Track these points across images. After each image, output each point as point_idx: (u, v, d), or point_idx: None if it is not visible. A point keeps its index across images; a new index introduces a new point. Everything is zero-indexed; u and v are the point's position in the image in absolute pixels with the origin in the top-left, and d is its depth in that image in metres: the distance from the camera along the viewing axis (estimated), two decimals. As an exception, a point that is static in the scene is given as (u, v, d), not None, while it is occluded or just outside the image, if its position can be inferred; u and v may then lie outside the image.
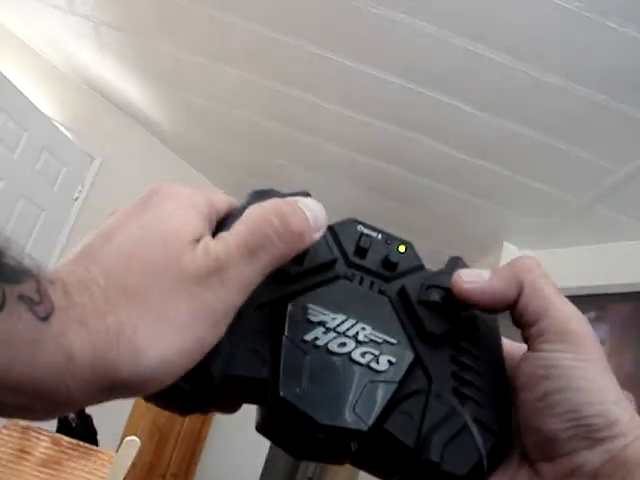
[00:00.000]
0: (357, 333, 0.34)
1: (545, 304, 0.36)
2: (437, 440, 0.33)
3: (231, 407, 0.37)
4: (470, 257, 4.65)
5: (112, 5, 3.30)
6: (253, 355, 0.33)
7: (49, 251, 4.04)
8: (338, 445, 0.33)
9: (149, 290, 0.30)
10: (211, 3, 3.00)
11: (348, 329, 0.34)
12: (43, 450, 1.27)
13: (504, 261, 4.27)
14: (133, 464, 1.40)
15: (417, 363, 0.35)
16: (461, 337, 0.37)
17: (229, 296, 0.31)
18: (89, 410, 3.07)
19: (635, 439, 0.32)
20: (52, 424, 2.31)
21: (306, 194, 0.38)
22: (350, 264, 0.37)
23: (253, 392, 0.33)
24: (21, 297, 0.27)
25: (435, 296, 0.37)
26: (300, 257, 0.36)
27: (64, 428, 2.69)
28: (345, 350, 0.33)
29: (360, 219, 0.40)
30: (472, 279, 0.37)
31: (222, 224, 0.35)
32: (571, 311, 0.36)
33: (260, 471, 5.50)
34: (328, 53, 3.06)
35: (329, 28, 2.91)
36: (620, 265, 3.70)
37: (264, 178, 4.69)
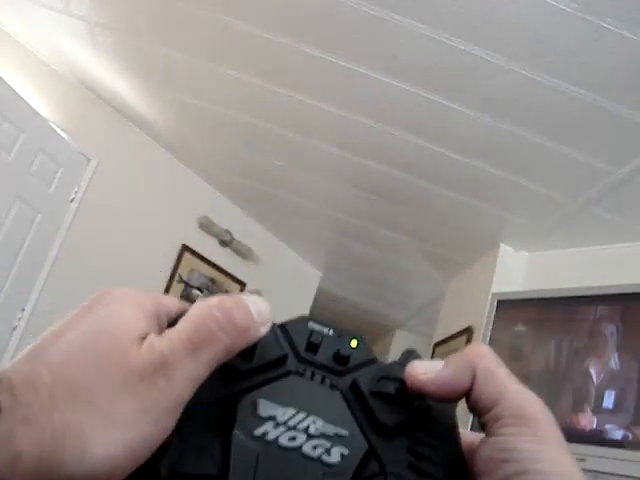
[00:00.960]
0: (308, 427, 0.34)
1: (499, 389, 0.35)
2: None
3: None
4: (466, 258, 4.65)
5: (107, 6, 3.29)
6: (202, 452, 0.33)
7: (45, 252, 4.03)
8: None
9: (95, 387, 0.31)
10: (205, 4, 3.00)
11: (298, 423, 0.34)
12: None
13: (501, 262, 4.27)
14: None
15: (371, 455, 0.34)
16: (416, 428, 0.36)
17: (174, 392, 0.32)
18: None
19: None
20: None
21: (257, 292, 0.38)
22: (301, 360, 0.37)
23: None
24: None
25: (388, 388, 0.37)
26: (249, 353, 0.35)
27: None
28: (296, 444, 0.33)
29: (311, 315, 0.40)
30: (426, 370, 0.37)
31: (172, 325, 0.35)
32: (526, 395, 0.36)
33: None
34: (322, 53, 3.06)
35: (323, 28, 2.91)
36: (615, 266, 3.70)
37: (257, 177, 4.69)
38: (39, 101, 3.94)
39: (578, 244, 3.98)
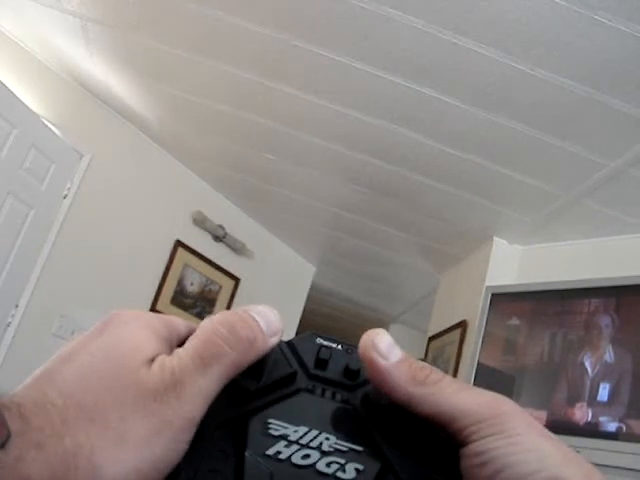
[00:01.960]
0: (321, 444, 0.34)
1: (452, 401, 0.35)
2: None
3: None
4: (460, 252, 4.66)
5: (99, 2, 3.28)
6: (215, 475, 0.33)
7: (38, 249, 4.02)
8: None
9: (107, 409, 0.31)
10: (199, -1, 3.00)
11: (311, 440, 0.34)
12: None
13: (495, 256, 4.28)
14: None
15: (387, 469, 0.34)
16: (429, 436, 0.36)
17: (187, 410, 0.32)
18: None
19: None
20: None
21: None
22: (311, 376, 0.37)
23: None
24: None
25: None
26: (258, 372, 0.35)
27: None
28: (309, 462, 0.33)
29: (319, 332, 0.40)
30: (388, 354, 0.37)
31: (182, 345, 0.35)
32: (488, 394, 0.35)
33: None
34: (316, 47, 3.05)
35: (316, 22, 2.91)
36: (608, 259, 3.72)
37: (252, 173, 4.69)
38: (31, 97, 3.93)
39: (572, 237, 3.99)
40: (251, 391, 0.35)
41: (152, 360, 0.33)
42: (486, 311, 3.84)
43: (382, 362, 0.35)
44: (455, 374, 4.22)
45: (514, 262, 4.28)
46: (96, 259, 4.35)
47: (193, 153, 4.72)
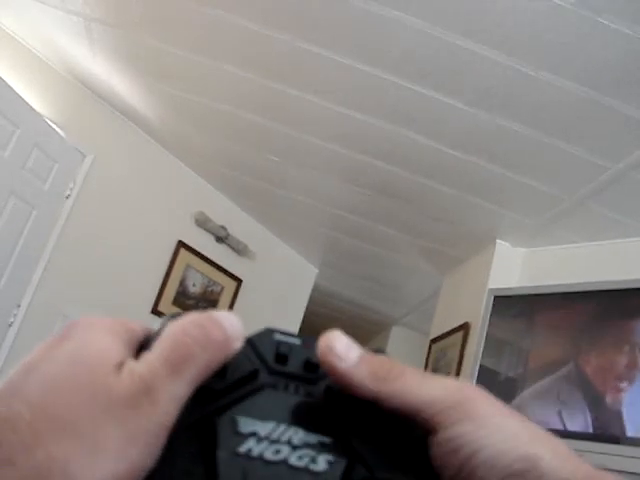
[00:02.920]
0: (290, 438, 0.34)
1: (415, 391, 0.35)
2: None
3: None
4: (463, 254, 4.65)
5: (103, 2, 3.28)
6: (187, 477, 0.32)
7: (40, 249, 4.03)
8: None
9: (79, 419, 0.30)
10: (203, -1, 3.00)
11: (281, 435, 0.34)
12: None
13: (498, 258, 4.28)
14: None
15: (356, 459, 0.34)
16: (395, 427, 0.36)
17: (160, 415, 0.31)
18: None
19: (567, 473, 0.31)
20: None
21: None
22: (272, 372, 0.37)
23: None
24: None
25: None
26: (222, 372, 0.35)
27: None
28: (281, 457, 0.33)
29: (275, 327, 0.40)
30: (346, 355, 0.37)
31: (142, 347, 0.35)
32: (451, 381, 0.35)
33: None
34: (318, 48, 3.05)
35: (319, 23, 2.91)
36: (611, 262, 3.71)
37: (254, 174, 4.69)
38: (34, 97, 3.93)
39: (575, 240, 3.99)
40: (216, 390, 0.35)
41: (119, 366, 0.32)
42: (488, 313, 3.83)
43: (341, 365, 0.36)
44: (457, 376, 4.22)
45: (517, 265, 4.27)
46: (98, 259, 4.36)
47: (196, 153, 4.72)
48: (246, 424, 0.34)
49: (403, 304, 6.37)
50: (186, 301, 4.93)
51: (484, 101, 3.04)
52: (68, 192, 4.18)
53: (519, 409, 3.42)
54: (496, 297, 3.86)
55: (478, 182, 3.73)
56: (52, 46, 3.89)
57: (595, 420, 3.18)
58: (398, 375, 0.36)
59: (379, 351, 0.39)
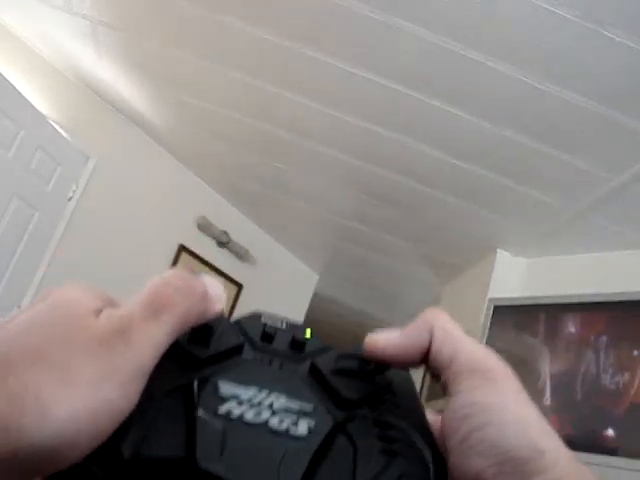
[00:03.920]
0: (272, 403, 0.34)
1: (455, 346, 0.36)
2: None
3: None
4: (463, 263, 4.65)
5: (109, 5, 3.29)
6: (166, 435, 0.32)
7: (42, 251, 4.03)
8: None
9: (53, 351, 0.30)
10: (208, 5, 3.00)
11: (262, 400, 0.34)
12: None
13: (498, 268, 4.27)
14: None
15: (338, 429, 0.34)
16: (380, 401, 0.36)
17: (136, 356, 0.31)
18: None
19: (566, 474, 0.31)
20: None
21: None
22: (257, 348, 0.37)
23: (168, 472, 0.32)
24: None
25: (347, 364, 0.37)
26: (206, 341, 0.36)
27: None
28: (261, 419, 0.33)
29: (262, 311, 0.40)
30: (385, 336, 0.38)
31: None
32: (481, 349, 0.36)
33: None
34: (329, 58, 3.06)
35: (326, 31, 2.91)
36: (612, 274, 3.71)
37: (258, 180, 4.69)
38: (39, 98, 3.94)
39: (576, 251, 3.99)
40: (201, 359, 0.35)
41: (98, 311, 0.33)
42: (488, 323, 3.83)
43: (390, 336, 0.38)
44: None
45: (517, 274, 4.27)
46: (99, 262, 4.36)
47: (199, 158, 4.73)
48: (227, 388, 0.34)
49: (403, 312, 6.37)
50: (186, 305, 4.92)
51: (488, 111, 3.05)
52: (71, 194, 4.18)
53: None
54: (496, 307, 3.86)
55: (480, 191, 3.73)
56: (58, 48, 3.90)
57: (593, 431, 3.18)
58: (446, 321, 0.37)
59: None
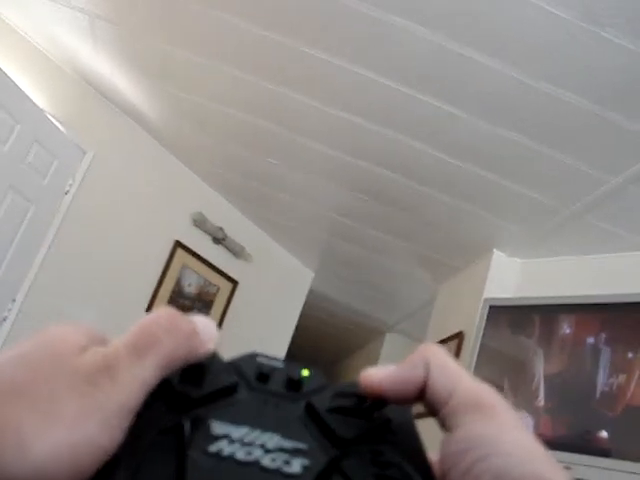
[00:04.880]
0: (265, 442, 0.33)
1: (453, 381, 0.36)
2: None
3: None
4: (459, 263, 4.66)
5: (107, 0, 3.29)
6: (156, 474, 0.32)
7: (37, 244, 4.02)
8: None
9: (36, 387, 0.30)
10: (206, 1, 3.00)
11: (254, 439, 0.33)
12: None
13: (494, 268, 4.28)
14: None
15: (333, 467, 0.33)
16: (378, 439, 0.36)
17: (120, 394, 0.31)
18: None
19: None
20: None
21: None
22: (252, 388, 0.37)
23: None
24: None
25: (344, 402, 0.37)
26: (199, 381, 0.35)
27: None
28: (253, 458, 0.32)
29: (259, 352, 0.40)
30: (381, 371, 0.37)
31: None
32: (479, 384, 0.36)
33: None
34: (323, 54, 3.06)
35: (325, 29, 2.91)
36: (607, 276, 3.71)
37: (254, 176, 4.69)
38: (36, 92, 3.93)
39: (571, 252, 3.99)
40: (192, 398, 0.34)
41: (85, 349, 0.32)
42: (483, 323, 3.84)
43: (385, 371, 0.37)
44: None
45: (513, 275, 4.28)
46: (95, 257, 4.35)
47: (196, 154, 4.73)
48: (219, 427, 0.33)
49: (398, 311, 6.38)
50: (181, 301, 4.93)
51: (485, 111, 3.05)
52: (67, 188, 4.18)
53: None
54: (491, 307, 3.86)
55: (476, 191, 3.73)
56: (55, 42, 3.89)
57: (587, 433, 3.18)
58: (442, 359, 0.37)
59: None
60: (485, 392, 0.35)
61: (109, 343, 0.35)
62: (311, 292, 6.12)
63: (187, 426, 0.33)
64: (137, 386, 0.32)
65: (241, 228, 5.34)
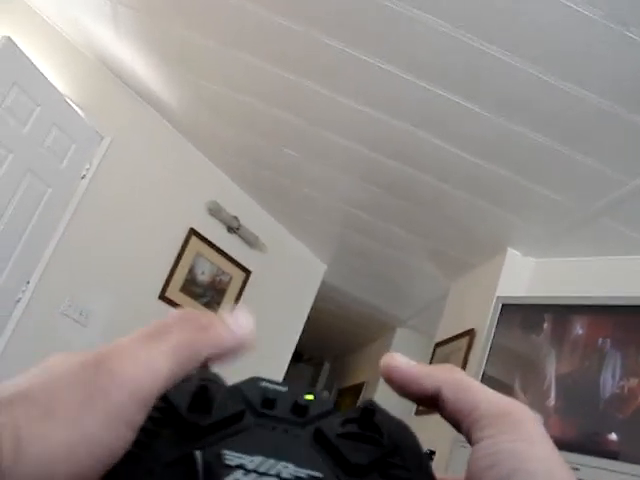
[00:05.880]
0: (280, 471, 0.32)
1: (476, 391, 0.35)
2: None
3: None
4: (473, 260, 4.64)
5: (131, -15, 3.30)
6: None
7: (53, 227, 4.04)
8: None
9: (33, 385, 0.29)
10: (230, -11, 3.00)
11: (269, 468, 0.32)
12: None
13: (507, 266, 4.27)
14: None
15: None
16: (389, 465, 0.35)
17: (125, 385, 0.28)
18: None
19: None
20: None
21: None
22: (259, 414, 0.36)
23: None
24: None
25: (353, 427, 0.36)
26: (206, 408, 0.34)
27: None
28: None
29: (262, 377, 0.39)
30: (402, 357, 0.37)
31: None
32: (502, 395, 0.35)
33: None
34: (343, 45, 3.05)
35: (345, 20, 2.90)
36: (622, 278, 3.69)
37: (271, 167, 4.69)
38: (57, 76, 3.94)
39: (586, 253, 3.97)
40: (202, 427, 0.34)
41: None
42: (495, 321, 3.82)
43: (407, 363, 0.37)
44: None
45: (526, 274, 4.26)
46: (109, 241, 4.37)
47: (213, 143, 4.73)
48: (233, 457, 0.33)
49: (409, 306, 6.37)
50: (194, 289, 4.94)
51: (504, 107, 3.03)
52: (84, 172, 4.19)
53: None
54: (504, 305, 3.85)
55: (492, 188, 3.72)
56: (78, 26, 3.90)
57: (596, 434, 3.17)
58: (464, 373, 0.36)
59: (369, 402, 0.38)
60: (509, 401, 0.34)
61: None
62: (323, 284, 6.12)
63: (199, 457, 0.32)
64: (146, 375, 0.29)
65: (256, 218, 5.34)
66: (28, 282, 3.93)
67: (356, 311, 7.17)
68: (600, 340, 3.36)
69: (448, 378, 0.36)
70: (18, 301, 3.89)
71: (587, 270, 3.96)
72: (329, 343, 8.94)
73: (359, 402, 0.39)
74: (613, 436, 3.10)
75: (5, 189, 3.66)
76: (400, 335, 7.10)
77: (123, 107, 4.41)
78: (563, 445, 3.16)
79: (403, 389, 0.37)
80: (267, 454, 0.33)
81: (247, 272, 5.30)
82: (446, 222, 4.37)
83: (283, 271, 5.68)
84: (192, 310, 0.34)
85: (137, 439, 0.30)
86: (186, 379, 0.34)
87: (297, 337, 5.92)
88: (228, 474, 0.31)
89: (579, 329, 3.48)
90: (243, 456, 0.33)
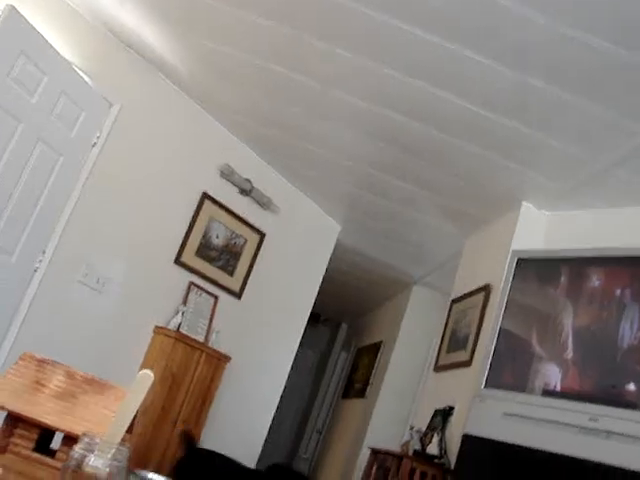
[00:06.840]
0: None
1: None
2: None
3: None
4: (487, 215, 4.63)
5: (134, -52, 3.25)
6: None
7: (66, 196, 4.05)
8: None
9: None
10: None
11: None
12: (58, 383, 1.29)
13: (522, 221, 4.25)
14: (145, 409, 1.38)
15: None
16: None
17: None
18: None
19: None
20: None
21: None
22: None
23: None
24: None
25: None
26: None
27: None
28: None
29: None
30: None
31: None
32: None
33: (269, 425, 5.53)
34: (352, 3, 3.00)
35: (353, -23, 2.86)
36: (637, 229, 3.67)
37: (281, 128, 4.66)
38: (63, 44, 3.92)
39: (601, 205, 3.95)
40: None
41: None
42: (511, 276, 3.81)
43: None
44: (477, 338, 4.22)
45: (541, 228, 4.24)
46: (123, 208, 4.38)
47: (223, 106, 4.70)
48: None
49: (425, 263, 6.37)
50: (209, 252, 4.96)
51: (515, 60, 2.99)
52: (95, 140, 4.19)
53: (538, 372, 3.42)
54: (519, 259, 3.83)
55: (505, 142, 3.69)
56: (81, -7, 3.86)
57: (614, 385, 3.18)
58: None
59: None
60: None
61: None
62: (338, 245, 6.13)
63: None
64: None
65: (268, 180, 5.33)
66: (44, 252, 3.95)
67: (372, 271, 7.17)
68: (618, 291, 3.35)
69: None
70: (35, 271, 3.91)
71: (602, 222, 3.94)
72: (346, 304, 8.97)
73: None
74: (631, 386, 3.11)
75: (17, 159, 3.66)
76: (416, 293, 7.11)
77: (131, 73, 4.38)
78: (582, 396, 3.17)
79: None
80: None
81: (261, 235, 5.30)
82: (459, 178, 4.34)
83: (297, 233, 5.68)
84: None
85: None
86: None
87: (313, 299, 5.94)
88: None
89: (596, 281, 3.47)
90: None
